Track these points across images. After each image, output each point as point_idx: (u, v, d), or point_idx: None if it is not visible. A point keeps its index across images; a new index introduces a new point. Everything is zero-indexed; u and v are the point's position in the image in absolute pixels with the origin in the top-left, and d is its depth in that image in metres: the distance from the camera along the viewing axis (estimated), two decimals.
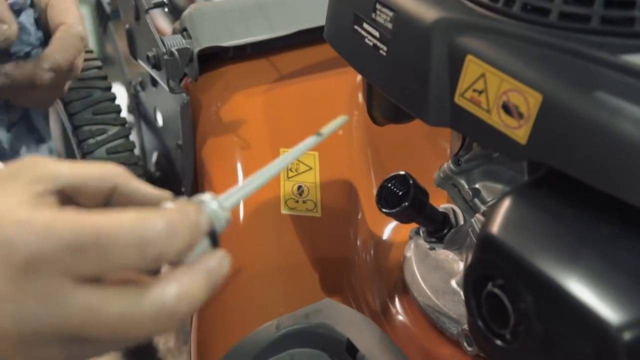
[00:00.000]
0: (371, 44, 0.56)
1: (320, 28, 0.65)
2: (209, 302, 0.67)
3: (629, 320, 0.36)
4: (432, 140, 0.85)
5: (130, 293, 0.33)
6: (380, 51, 0.55)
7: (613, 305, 0.37)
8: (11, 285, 0.31)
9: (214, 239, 0.37)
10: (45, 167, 0.35)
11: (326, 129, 0.46)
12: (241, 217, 0.70)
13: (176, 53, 0.75)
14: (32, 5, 0.63)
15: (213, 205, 0.37)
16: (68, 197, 0.36)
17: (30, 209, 0.32)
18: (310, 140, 0.45)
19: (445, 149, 0.84)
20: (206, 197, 0.37)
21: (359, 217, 0.74)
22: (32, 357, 0.32)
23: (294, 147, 0.43)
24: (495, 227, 0.45)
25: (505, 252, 0.43)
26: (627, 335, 0.36)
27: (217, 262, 0.36)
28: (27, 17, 0.61)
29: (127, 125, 0.81)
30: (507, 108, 0.46)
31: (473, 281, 0.47)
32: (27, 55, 0.63)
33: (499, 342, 0.45)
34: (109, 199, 0.37)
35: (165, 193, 0.38)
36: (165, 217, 0.33)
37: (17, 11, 0.60)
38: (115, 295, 0.32)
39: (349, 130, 0.81)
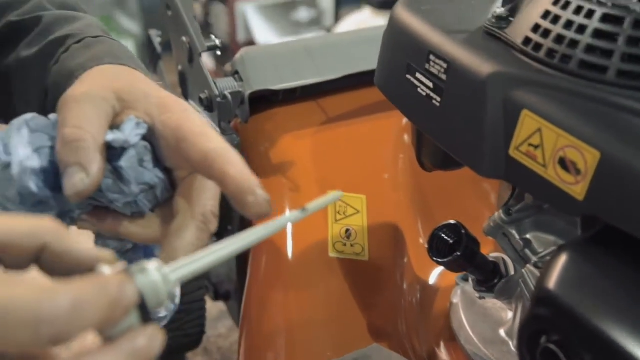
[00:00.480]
0: (424, 93, 0.57)
1: (367, 73, 0.66)
2: (256, 345, 0.68)
3: None
4: (477, 184, 0.85)
5: None
6: (434, 101, 0.56)
7: None
8: None
9: (146, 314, 0.33)
10: None
11: (313, 205, 0.40)
12: (289, 258, 0.71)
13: (229, 96, 0.77)
14: (145, 138, 0.45)
15: (154, 276, 0.33)
16: None
17: None
18: (293, 216, 0.39)
19: (489, 192, 0.84)
20: (151, 265, 0.33)
21: (405, 261, 0.74)
22: None
23: (272, 220, 0.38)
24: (552, 283, 0.44)
25: (562, 309, 0.43)
26: None
27: (145, 341, 0.32)
28: (130, 159, 0.44)
29: None
30: (564, 164, 0.46)
31: (528, 336, 0.46)
32: (130, 206, 0.46)
33: None
34: (39, 257, 0.33)
35: (104, 254, 0.34)
36: (72, 292, 0.29)
37: (117, 151, 0.44)
38: None
39: (395, 173, 0.81)
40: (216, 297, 1.05)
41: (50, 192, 0.43)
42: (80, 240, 0.34)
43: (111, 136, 0.43)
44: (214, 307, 1.36)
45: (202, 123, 0.44)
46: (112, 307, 0.30)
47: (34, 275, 0.32)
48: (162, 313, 0.48)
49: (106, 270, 0.33)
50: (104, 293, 0.30)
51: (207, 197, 0.44)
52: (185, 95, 0.88)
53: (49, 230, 0.33)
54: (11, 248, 0.32)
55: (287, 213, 0.39)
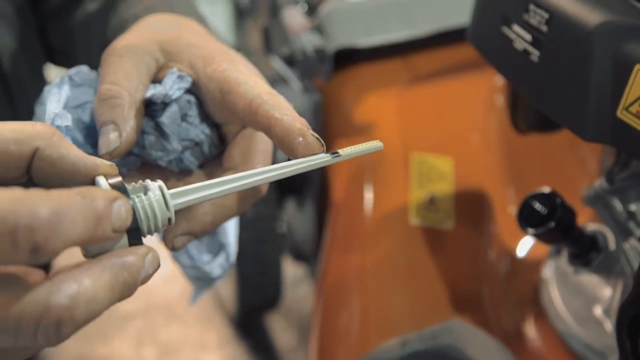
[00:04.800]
0: (521, 47, 0.52)
1: (459, 29, 0.61)
2: (331, 311, 0.66)
3: None
4: (575, 149, 0.79)
5: (6, 294, 0.27)
6: (532, 56, 0.51)
7: None
8: None
9: (138, 238, 0.31)
10: None
11: (347, 151, 0.37)
12: (367, 224, 0.68)
13: (311, 51, 0.74)
14: (190, 91, 0.42)
15: (153, 198, 0.31)
16: None
17: None
18: (321, 158, 0.36)
19: (588, 158, 0.78)
20: (152, 185, 0.31)
21: (493, 230, 0.69)
22: None
23: (298, 160, 0.36)
24: None
25: None
26: None
27: (136, 258, 0.30)
28: (172, 114, 0.41)
29: None
30: None
31: (629, 320, 0.42)
32: (176, 163, 0.43)
33: None
34: (32, 166, 0.31)
35: (104, 163, 0.32)
36: (53, 200, 0.27)
37: (159, 106, 0.41)
38: None
39: (485, 135, 0.76)
40: (298, 257, 1.04)
41: (91, 148, 0.41)
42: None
43: (151, 91, 0.41)
44: (296, 270, 1.36)
45: (248, 72, 0.41)
46: (97, 222, 0.28)
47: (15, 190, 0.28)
48: (216, 272, 0.46)
49: (103, 183, 0.31)
50: (90, 207, 0.28)
51: (257, 160, 0.41)
52: (268, 51, 0.86)
53: (41, 135, 0.31)
54: (1, 157, 0.30)
55: (319, 155, 0.36)
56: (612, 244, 0.55)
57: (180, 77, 0.41)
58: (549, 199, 0.53)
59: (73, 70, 0.42)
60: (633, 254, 0.52)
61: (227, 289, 1.26)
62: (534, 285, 0.65)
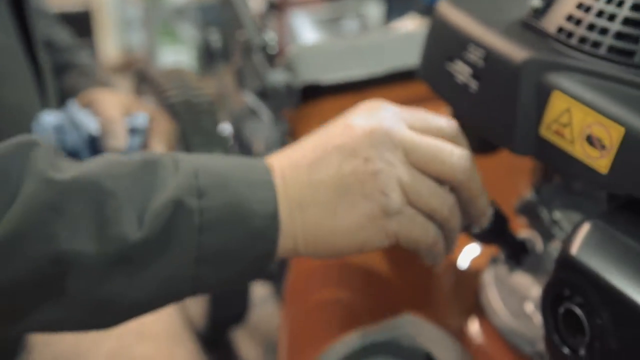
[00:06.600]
0: (462, 80, 0.61)
1: (409, 70, 0.71)
2: (295, 313, 0.73)
3: None
4: (512, 177, 0.89)
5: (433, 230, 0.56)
6: (471, 87, 0.60)
7: None
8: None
9: None
10: None
11: None
12: None
13: (280, 87, 0.83)
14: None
15: None
16: None
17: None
18: None
19: (522, 185, 0.88)
20: None
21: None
22: (379, 153, 0.53)
23: None
24: (574, 248, 0.48)
25: (583, 272, 0.46)
26: None
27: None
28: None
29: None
30: (590, 140, 0.50)
31: (551, 299, 0.50)
32: None
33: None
34: None
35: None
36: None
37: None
38: (425, 138, 0.55)
39: None
40: (265, 276, 1.11)
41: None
42: None
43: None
44: (263, 290, 1.41)
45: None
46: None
47: None
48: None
49: None
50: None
51: (157, 139, 0.80)
52: (242, 87, 0.95)
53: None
54: None
55: None
56: (540, 246, 0.65)
57: None
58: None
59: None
60: (557, 254, 0.61)
61: (196, 306, 1.32)
62: (474, 290, 0.73)
